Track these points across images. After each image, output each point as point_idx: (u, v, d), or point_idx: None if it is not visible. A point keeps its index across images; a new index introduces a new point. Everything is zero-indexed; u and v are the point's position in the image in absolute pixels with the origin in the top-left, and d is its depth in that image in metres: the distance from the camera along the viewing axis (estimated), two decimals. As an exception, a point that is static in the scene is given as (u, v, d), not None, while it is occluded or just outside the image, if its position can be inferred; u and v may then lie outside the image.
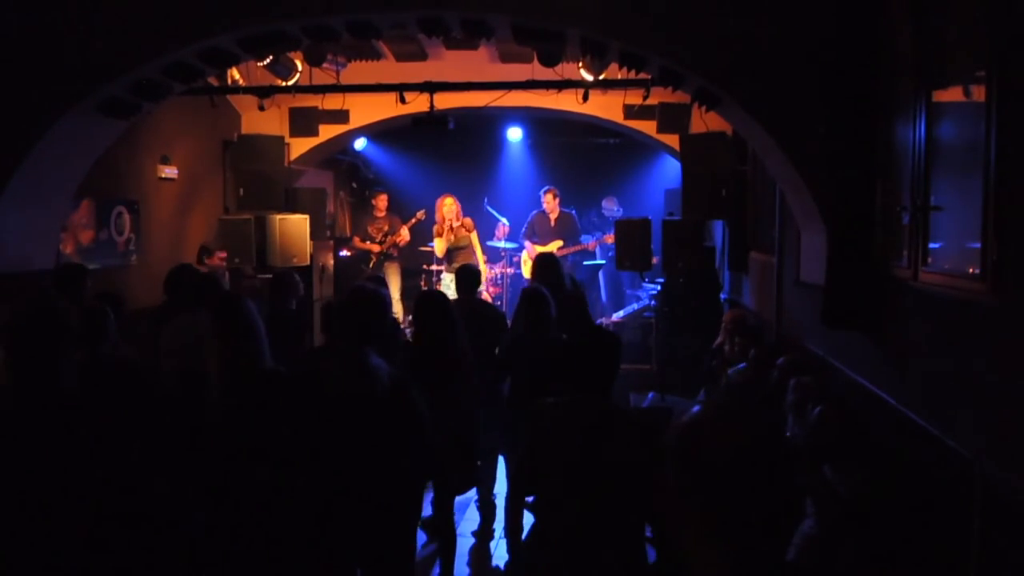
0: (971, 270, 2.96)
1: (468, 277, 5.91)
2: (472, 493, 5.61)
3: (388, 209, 10.35)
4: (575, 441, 2.94)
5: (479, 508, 5.52)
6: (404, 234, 10.08)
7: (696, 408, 1.42)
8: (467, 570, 4.96)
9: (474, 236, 9.65)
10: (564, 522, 2.98)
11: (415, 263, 10.72)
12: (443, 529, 4.49)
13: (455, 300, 5.85)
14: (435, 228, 9.56)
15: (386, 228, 10.14)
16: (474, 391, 4.50)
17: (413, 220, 10.11)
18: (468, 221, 9.55)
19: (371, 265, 10.07)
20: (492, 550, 5.24)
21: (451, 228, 9.41)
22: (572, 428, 2.98)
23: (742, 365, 5.16)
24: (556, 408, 3.09)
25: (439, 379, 4.11)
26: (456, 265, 8.73)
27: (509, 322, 5.92)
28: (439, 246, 9.51)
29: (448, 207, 9.40)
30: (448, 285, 9.10)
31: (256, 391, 3.08)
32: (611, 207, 11.05)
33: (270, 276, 6.85)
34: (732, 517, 1.33)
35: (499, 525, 5.50)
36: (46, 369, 2.76)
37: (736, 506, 1.33)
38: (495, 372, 5.22)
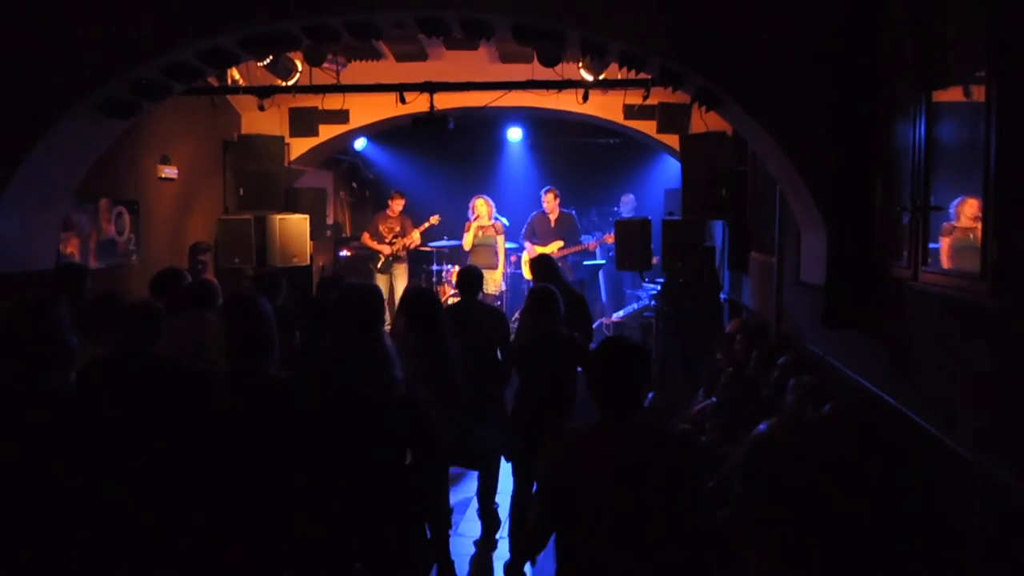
0: (971, 270, 2.96)
1: (469, 278, 5.63)
2: (472, 494, 5.58)
3: (402, 212, 10.42)
4: (606, 473, 2.49)
5: (481, 517, 5.36)
6: (415, 237, 10.21)
7: (763, 425, 1.33)
8: None
9: (500, 239, 10.10)
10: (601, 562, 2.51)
11: (416, 263, 10.73)
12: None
13: (457, 302, 5.79)
14: (467, 224, 10.14)
15: (397, 229, 10.19)
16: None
17: (426, 224, 10.18)
18: (499, 224, 10.15)
19: (379, 265, 10.10)
20: (494, 560, 5.08)
21: (480, 227, 9.99)
22: (601, 458, 2.53)
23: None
24: (579, 435, 2.64)
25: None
26: (473, 262, 8.80)
27: (513, 322, 5.85)
28: (467, 240, 10.04)
29: (480, 207, 10.00)
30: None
31: (258, 398, 3.05)
32: (628, 203, 10.99)
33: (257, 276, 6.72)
34: (801, 539, 1.24)
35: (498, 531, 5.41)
36: (34, 366, 2.75)
37: (805, 528, 1.24)
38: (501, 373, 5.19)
